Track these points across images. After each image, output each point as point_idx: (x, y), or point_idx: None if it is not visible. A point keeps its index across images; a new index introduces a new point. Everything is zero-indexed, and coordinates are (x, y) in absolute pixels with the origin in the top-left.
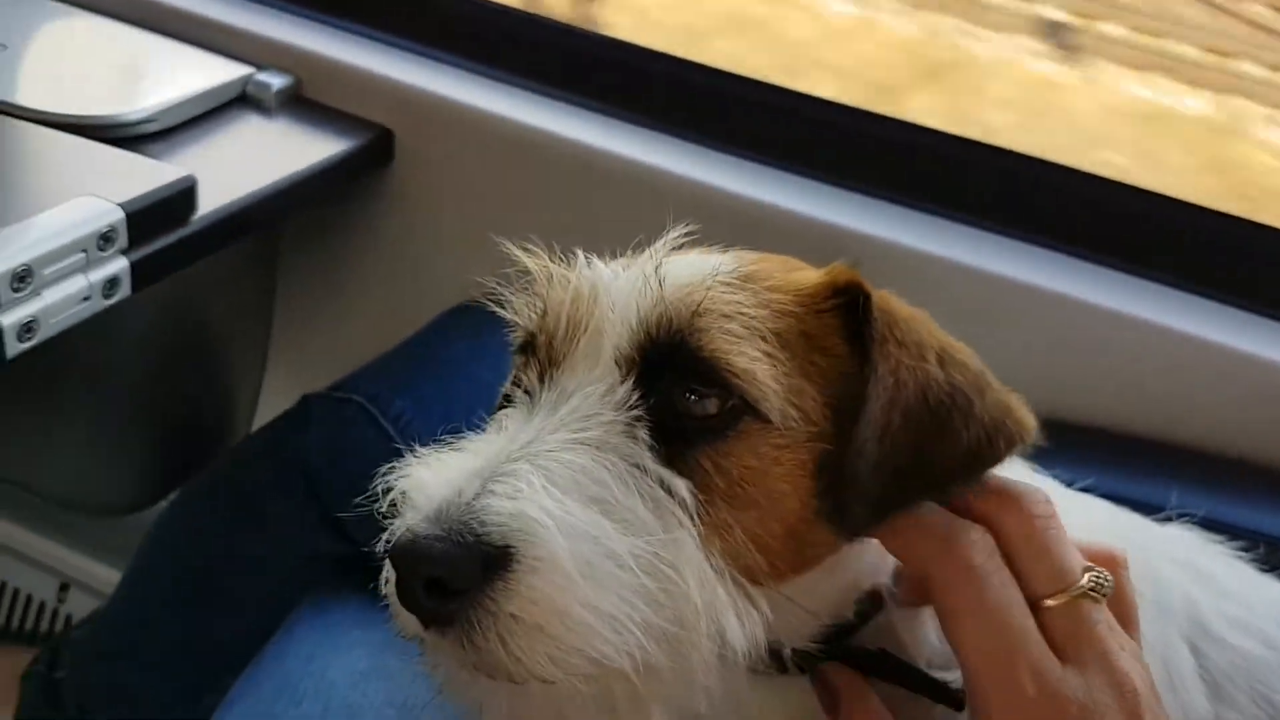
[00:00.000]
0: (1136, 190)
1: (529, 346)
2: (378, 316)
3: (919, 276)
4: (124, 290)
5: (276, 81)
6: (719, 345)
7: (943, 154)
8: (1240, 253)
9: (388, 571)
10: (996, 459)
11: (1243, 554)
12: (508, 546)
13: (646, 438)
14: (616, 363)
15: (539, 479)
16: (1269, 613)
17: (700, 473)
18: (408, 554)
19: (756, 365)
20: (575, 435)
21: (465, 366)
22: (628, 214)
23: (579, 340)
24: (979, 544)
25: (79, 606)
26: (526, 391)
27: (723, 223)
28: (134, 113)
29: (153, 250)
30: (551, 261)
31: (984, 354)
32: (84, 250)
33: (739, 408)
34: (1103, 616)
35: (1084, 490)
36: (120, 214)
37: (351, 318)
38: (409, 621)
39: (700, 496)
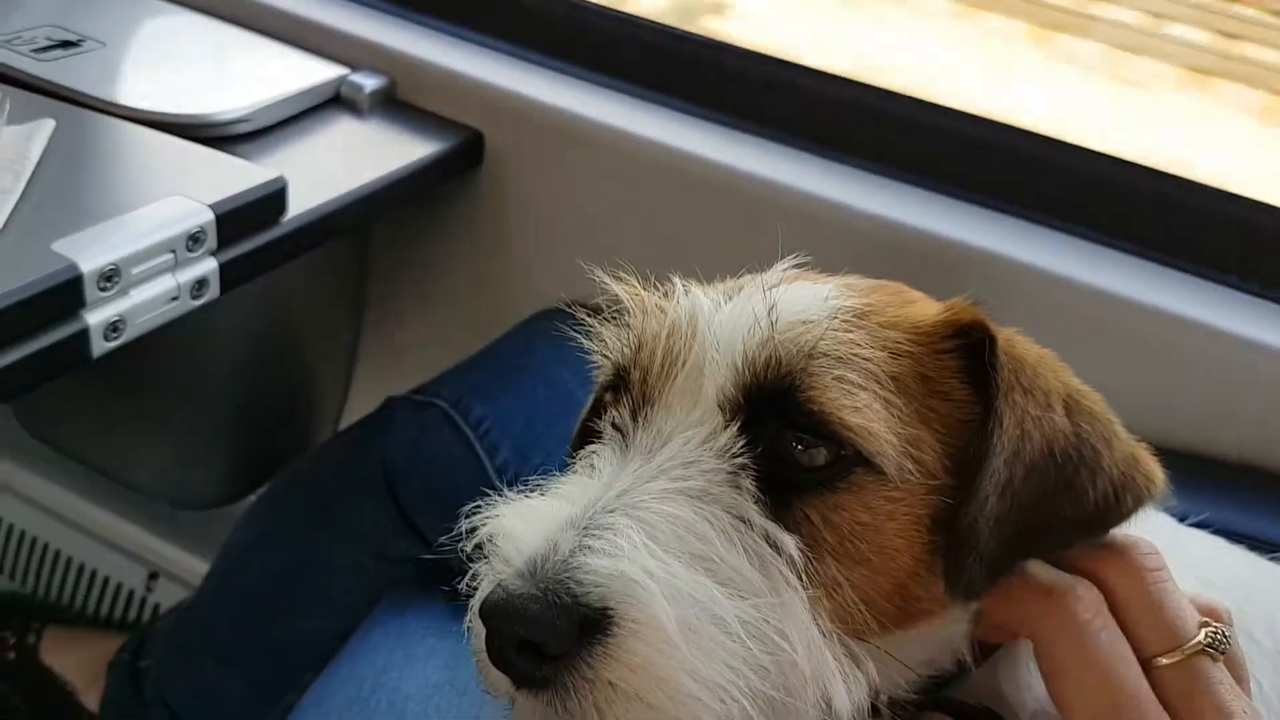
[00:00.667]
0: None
1: (620, 381)
2: (466, 319)
3: (1038, 295)
4: (212, 291)
5: (370, 83)
6: (830, 396)
7: (1063, 164)
8: None
9: (475, 625)
10: (1123, 516)
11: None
12: (606, 609)
13: (752, 488)
14: (720, 405)
15: (639, 534)
16: None
17: (808, 526)
18: (500, 613)
19: (871, 419)
20: (675, 484)
21: (547, 373)
22: (729, 228)
23: (676, 377)
24: (1086, 600)
25: (167, 596)
26: (617, 428)
27: (835, 239)
28: (228, 112)
29: (242, 252)
30: (644, 289)
31: (1093, 374)
32: (172, 250)
33: (851, 459)
34: (1223, 676)
35: (1198, 525)
36: (210, 215)
37: (439, 320)
38: (498, 680)
39: (808, 553)
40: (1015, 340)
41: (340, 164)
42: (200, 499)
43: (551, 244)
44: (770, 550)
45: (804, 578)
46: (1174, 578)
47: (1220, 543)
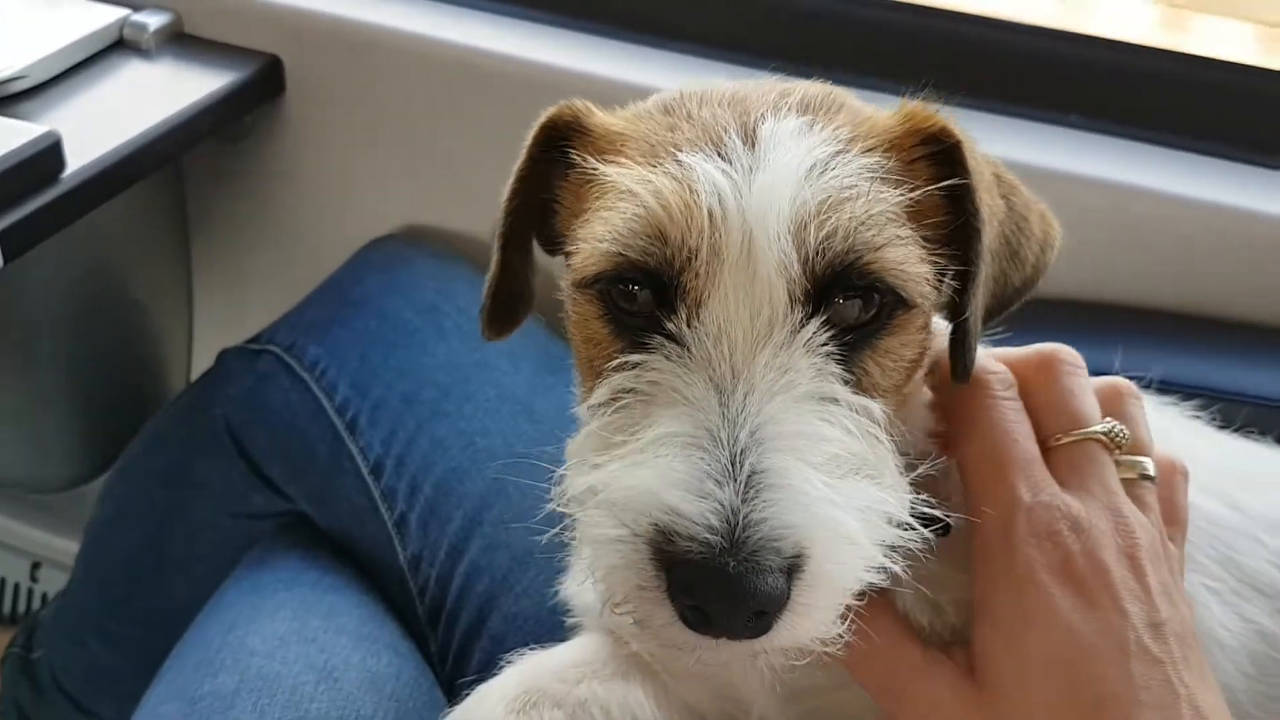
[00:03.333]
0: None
1: (638, 277)
2: (301, 256)
3: None
4: None
5: (154, 20)
6: (890, 257)
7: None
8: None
9: (631, 580)
10: (1048, 265)
11: (1199, 413)
12: (802, 552)
13: (838, 371)
14: (792, 298)
15: (798, 470)
16: (1230, 473)
17: (866, 379)
18: (725, 592)
19: (915, 264)
20: (788, 398)
21: (379, 303)
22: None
23: (722, 268)
24: (998, 376)
25: (54, 584)
26: (673, 339)
27: None
28: (1, 71)
29: (20, 216)
30: (646, 165)
31: None
32: None
33: (892, 303)
34: (1110, 464)
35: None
36: None
37: (272, 261)
38: (682, 639)
39: (868, 395)
40: (966, 137)
41: (128, 109)
42: (59, 480)
43: (376, 166)
44: (866, 420)
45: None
46: (1085, 377)
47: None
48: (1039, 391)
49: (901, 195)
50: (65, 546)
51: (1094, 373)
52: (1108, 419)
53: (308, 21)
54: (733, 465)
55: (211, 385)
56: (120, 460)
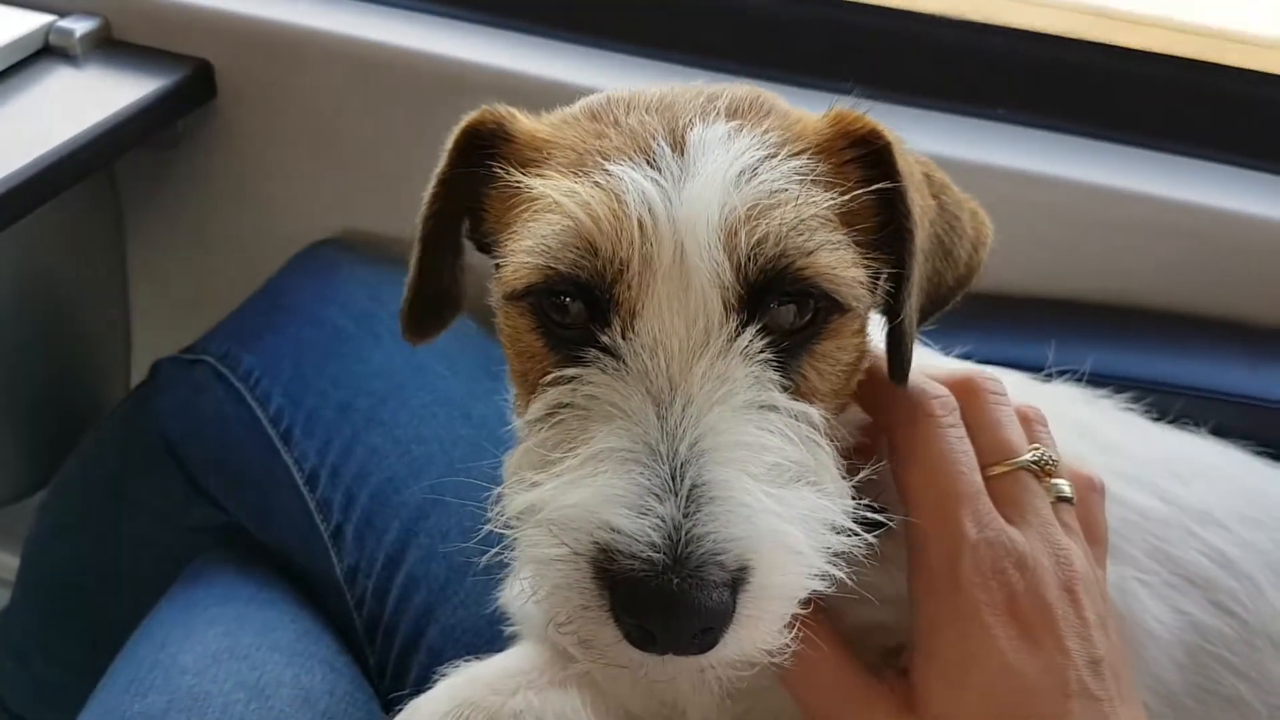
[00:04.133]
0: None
1: (568, 289)
2: (237, 262)
3: None
4: None
5: (81, 26)
6: (823, 261)
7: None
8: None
9: (573, 599)
10: (981, 262)
11: (1132, 405)
12: (746, 565)
13: (776, 378)
14: (726, 306)
15: (739, 482)
16: (1160, 465)
17: (804, 383)
18: (669, 610)
19: (848, 267)
20: (726, 408)
21: (312, 311)
22: None
23: (655, 280)
24: (943, 401)
25: None
26: (608, 352)
27: None
28: None
29: None
30: (573, 179)
31: None
32: None
33: (827, 308)
34: (1042, 493)
35: (963, 358)
36: None
37: (209, 267)
38: (627, 657)
39: (807, 400)
40: (896, 138)
41: (55, 117)
42: None
43: (310, 170)
44: (805, 426)
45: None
46: (1011, 405)
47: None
48: (969, 419)
49: (832, 198)
50: (6, 562)
51: (1031, 368)
52: (1033, 445)
53: (238, 25)
54: (673, 479)
55: (147, 397)
56: (58, 475)
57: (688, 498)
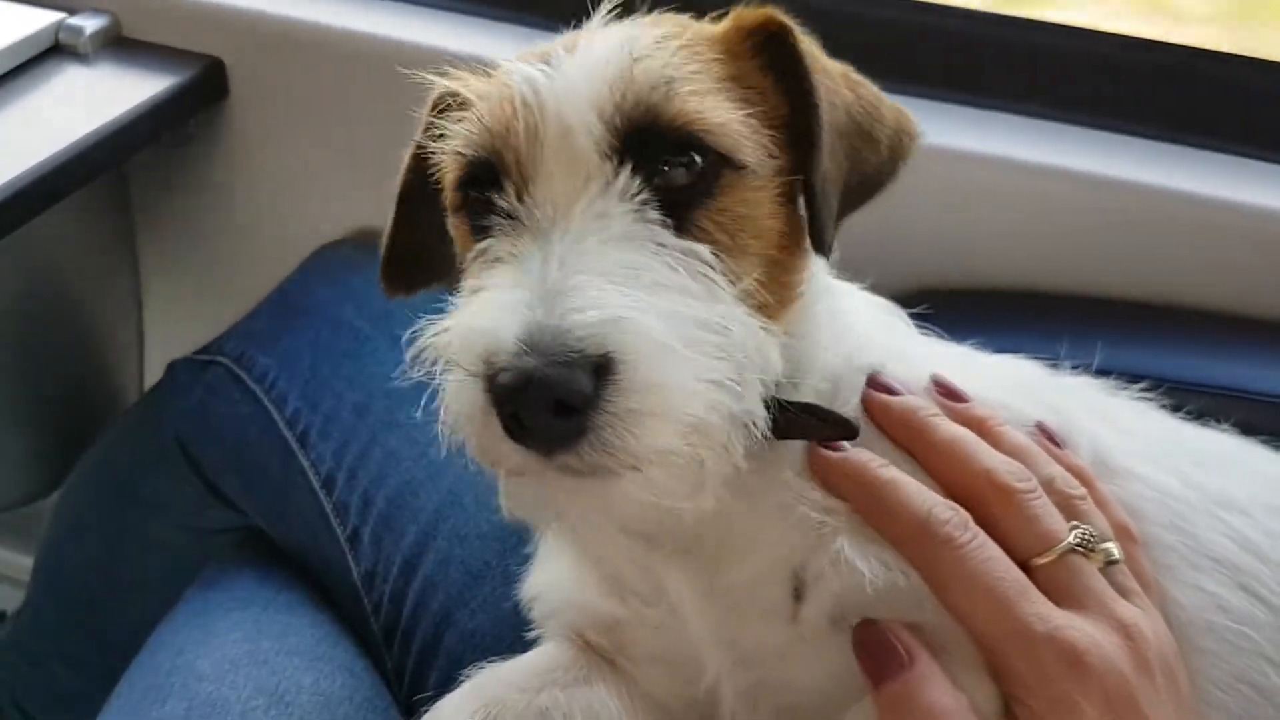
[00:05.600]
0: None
1: (481, 173)
2: (251, 261)
3: None
4: None
5: (91, 24)
6: (690, 107)
7: None
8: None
9: (475, 417)
10: (907, 154)
11: (1150, 397)
12: (607, 352)
13: (657, 216)
14: (601, 156)
15: (601, 283)
16: (1181, 450)
17: (704, 234)
18: (525, 387)
19: (726, 117)
20: (601, 236)
21: (329, 311)
22: None
23: (544, 148)
24: (953, 520)
25: (10, 601)
26: (510, 216)
27: None
28: None
29: None
30: (471, 73)
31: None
32: None
33: (716, 163)
34: (1094, 571)
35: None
36: None
37: (223, 267)
38: (516, 458)
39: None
40: (798, 29)
41: (64, 117)
42: (11, 497)
43: (324, 169)
44: (696, 262)
45: (723, 275)
46: (1044, 495)
47: (1009, 359)
48: (1003, 521)
49: (718, 69)
50: (21, 563)
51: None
52: (1073, 525)
53: (250, 22)
54: (545, 296)
55: (161, 398)
56: (72, 476)
57: (554, 304)
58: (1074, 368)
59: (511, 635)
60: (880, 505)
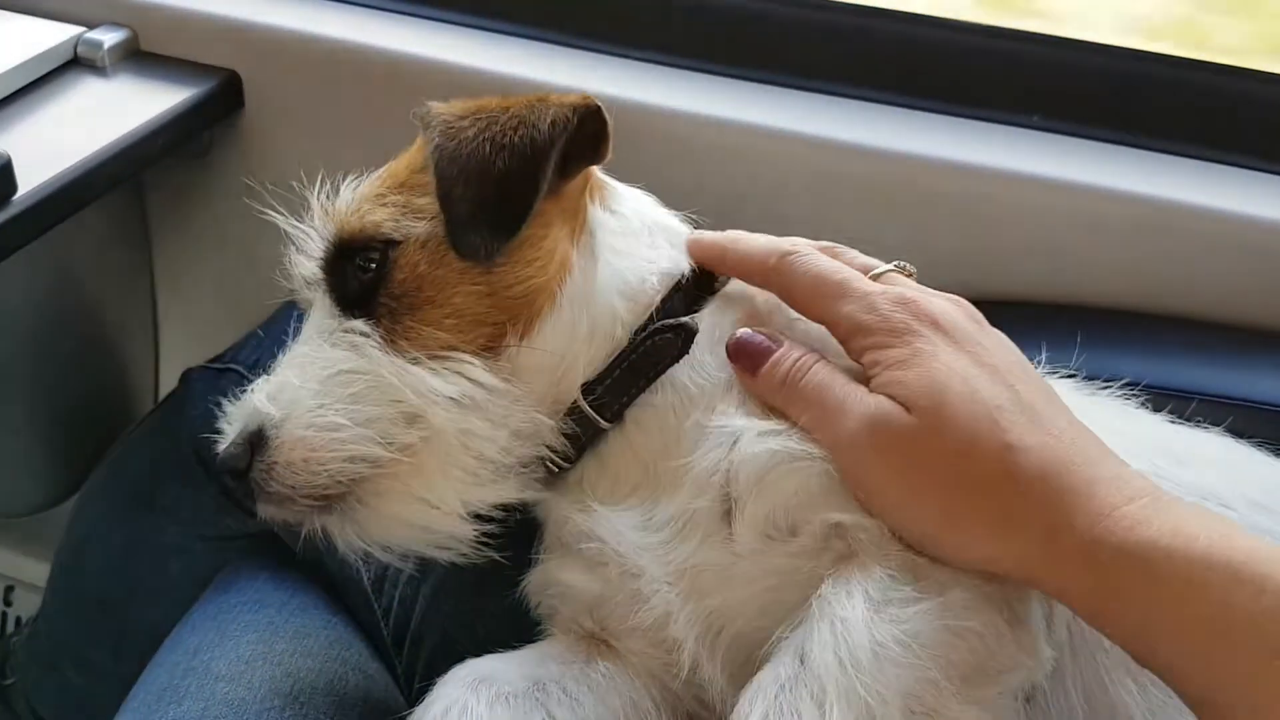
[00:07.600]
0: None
1: None
2: (266, 272)
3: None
4: None
5: (109, 38)
6: (352, 224)
7: None
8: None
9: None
10: (555, 134)
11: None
12: (260, 429)
13: (335, 309)
14: (319, 284)
15: (275, 377)
16: (1161, 448)
17: (388, 309)
18: (217, 469)
19: (377, 213)
20: (311, 336)
21: None
22: None
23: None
24: (796, 242)
25: (27, 608)
26: None
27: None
28: None
29: None
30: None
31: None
32: None
33: (385, 250)
34: (913, 282)
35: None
36: None
37: (237, 278)
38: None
39: (386, 323)
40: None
41: (83, 129)
42: (27, 504)
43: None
44: (356, 336)
45: (376, 337)
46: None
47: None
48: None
49: (388, 188)
50: (39, 570)
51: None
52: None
53: (266, 36)
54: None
55: (176, 406)
56: (87, 483)
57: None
58: (1068, 376)
59: (522, 639)
60: (729, 259)
